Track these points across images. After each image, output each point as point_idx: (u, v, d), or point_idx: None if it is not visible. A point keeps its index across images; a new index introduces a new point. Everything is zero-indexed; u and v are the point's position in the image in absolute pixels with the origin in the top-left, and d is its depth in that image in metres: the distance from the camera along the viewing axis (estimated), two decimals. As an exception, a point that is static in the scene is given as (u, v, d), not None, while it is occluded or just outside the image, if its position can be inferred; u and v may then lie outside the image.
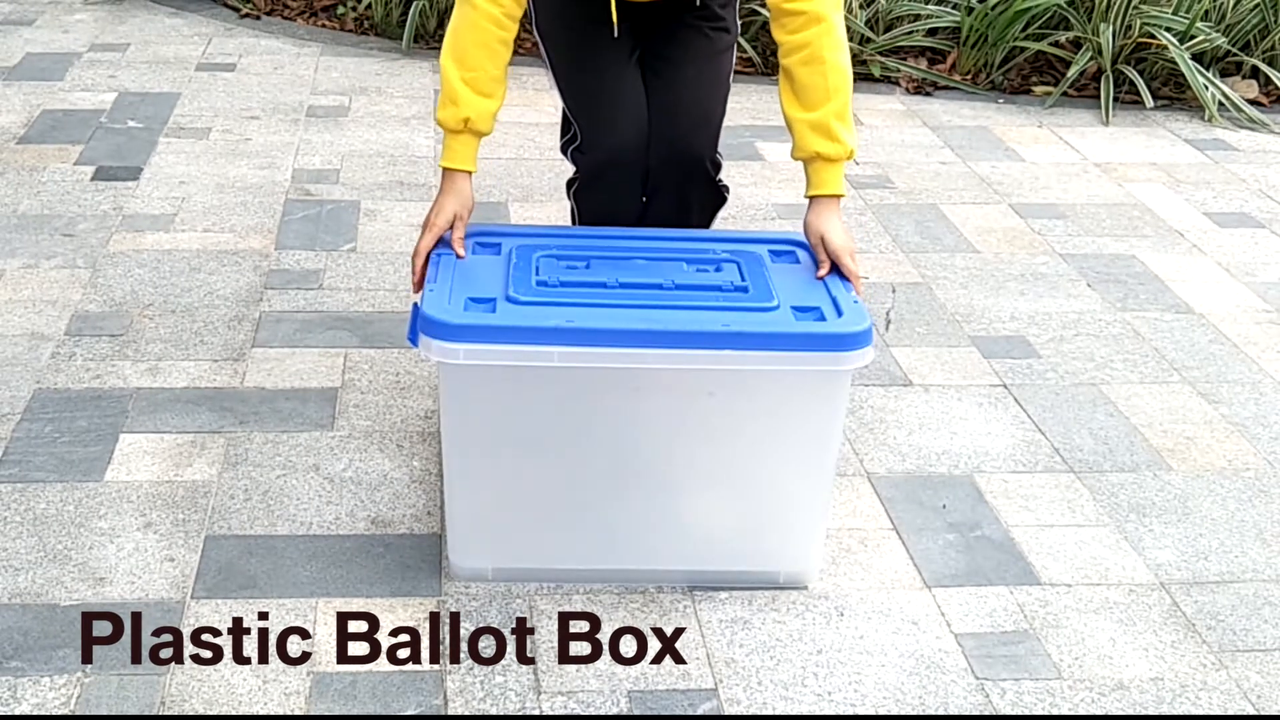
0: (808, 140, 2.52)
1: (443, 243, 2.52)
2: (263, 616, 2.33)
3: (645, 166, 2.74)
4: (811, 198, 2.56)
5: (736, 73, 2.98)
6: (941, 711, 2.22)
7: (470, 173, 2.57)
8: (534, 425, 2.34)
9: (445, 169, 2.56)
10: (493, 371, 2.28)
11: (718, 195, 2.86)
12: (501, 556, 2.44)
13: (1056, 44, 5.43)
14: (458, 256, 2.50)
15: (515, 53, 2.53)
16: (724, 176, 2.86)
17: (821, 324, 2.34)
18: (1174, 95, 5.32)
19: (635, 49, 2.75)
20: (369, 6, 5.64)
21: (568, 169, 2.88)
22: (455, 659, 2.27)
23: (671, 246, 2.58)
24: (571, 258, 2.49)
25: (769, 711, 2.20)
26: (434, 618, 2.35)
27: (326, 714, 2.15)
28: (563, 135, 2.89)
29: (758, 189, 4.26)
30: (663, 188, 2.78)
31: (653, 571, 2.47)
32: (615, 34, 2.66)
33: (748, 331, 2.29)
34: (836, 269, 2.52)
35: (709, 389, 2.33)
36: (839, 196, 2.56)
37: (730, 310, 2.33)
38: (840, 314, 2.36)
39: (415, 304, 2.36)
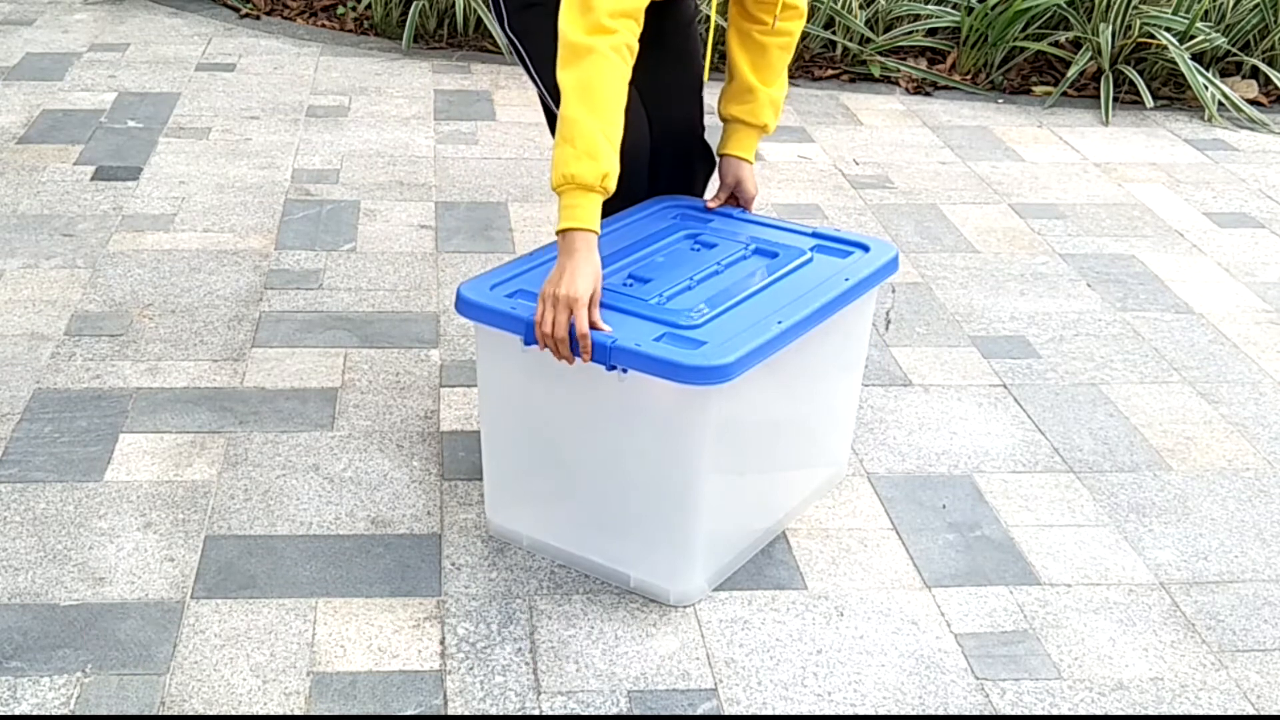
0: (764, 112, 2.76)
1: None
2: (262, 616, 2.34)
3: (650, 150, 2.76)
4: (734, 155, 2.79)
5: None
6: (941, 711, 2.22)
7: (598, 232, 2.30)
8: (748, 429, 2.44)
9: (573, 231, 2.24)
10: (730, 392, 2.27)
11: (710, 160, 2.92)
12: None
13: (1056, 44, 5.43)
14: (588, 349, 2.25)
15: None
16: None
17: (872, 256, 2.63)
18: (1174, 95, 5.32)
19: None
20: (369, 6, 5.64)
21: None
22: (455, 659, 2.27)
23: (627, 236, 2.67)
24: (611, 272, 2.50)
25: (769, 711, 2.20)
26: (434, 618, 2.35)
27: (326, 714, 2.15)
28: (553, 134, 2.87)
29: (758, 189, 4.25)
30: (665, 164, 2.83)
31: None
32: None
33: (863, 278, 2.55)
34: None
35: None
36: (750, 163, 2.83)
37: (800, 269, 2.55)
38: (867, 249, 2.66)
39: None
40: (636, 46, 2.32)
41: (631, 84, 2.63)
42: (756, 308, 2.39)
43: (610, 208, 2.75)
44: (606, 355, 2.22)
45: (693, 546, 2.38)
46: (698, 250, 2.61)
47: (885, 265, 2.62)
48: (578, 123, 2.24)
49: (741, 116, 2.76)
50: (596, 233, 2.27)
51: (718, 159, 2.82)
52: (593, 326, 2.23)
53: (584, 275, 2.23)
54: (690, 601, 2.41)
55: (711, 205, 2.79)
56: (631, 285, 2.43)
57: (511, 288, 2.41)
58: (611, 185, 2.28)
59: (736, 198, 2.81)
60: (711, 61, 3.01)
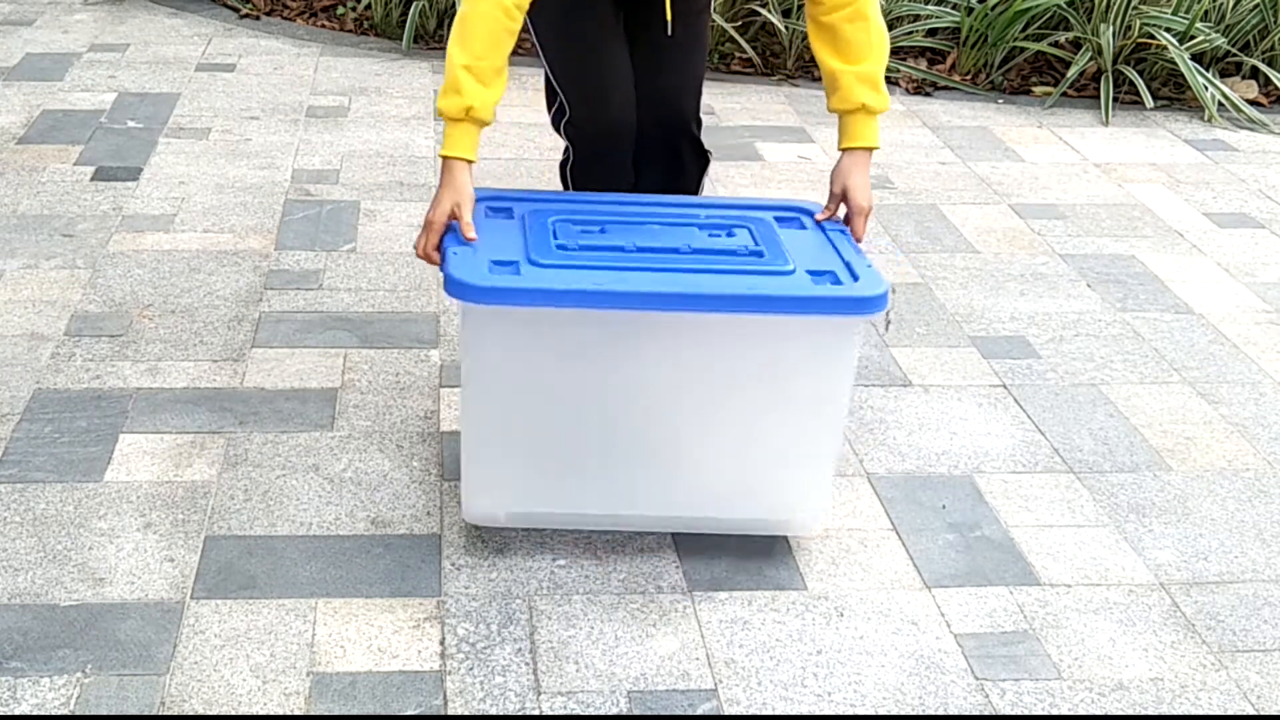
0: (855, 92, 2.57)
1: (451, 230, 2.48)
2: (262, 617, 2.34)
3: (635, 135, 2.76)
4: (846, 149, 2.61)
5: (736, 73, 2.99)
6: (941, 711, 2.22)
7: (470, 162, 2.52)
8: (552, 375, 2.42)
9: (445, 158, 2.52)
10: (513, 321, 2.34)
11: (703, 156, 2.91)
12: (516, 502, 2.51)
13: (1056, 44, 5.43)
14: (467, 240, 2.46)
15: (515, 53, 2.53)
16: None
17: (840, 288, 2.39)
18: (1174, 95, 5.32)
19: (620, 15, 2.77)
20: (369, 6, 5.64)
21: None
22: (455, 659, 2.27)
23: (681, 212, 2.63)
24: (586, 222, 2.53)
25: (769, 711, 2.20)
26: (434, 618, 2.35)
27: (326, 714, 2.15)
28: (549, 107, 2.91)
29: (757, 189, 4.26)
30: (652, 153, 2.85)
31: (662, 518, 2.56)
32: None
33: (771, 295, 2.35)
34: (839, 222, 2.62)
35: (732, 350, 2.41)
36: (873, 149, 2.62)
37: (748, 274, 2.39)
38: (856, 278, 2.41)
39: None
40: (525, 8, 2.48)
41: (631, 62, 2.65)
42: (625, 275, 2.35)
43: (590, 176, 2.78)
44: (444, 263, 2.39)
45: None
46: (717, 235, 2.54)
47: (834, 300, 2.36)
48: (449, 60, 2.47)
49: (837, 106, 2.60)
50: (468, 160, 2.50)
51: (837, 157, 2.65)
52: (467, 239, 2.45)
53: (444, 200, 2.48)
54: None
55: (820, 218, 2.62)
56: (598, 233, 2.49)
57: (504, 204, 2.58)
58: (481, 116, 2.48)
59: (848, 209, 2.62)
60: (711, 61, 3.00)
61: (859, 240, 2.57)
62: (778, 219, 2.63)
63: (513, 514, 2.54)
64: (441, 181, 2.52)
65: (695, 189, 2.97)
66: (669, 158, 2.88)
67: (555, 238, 2.46)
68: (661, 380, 2.43)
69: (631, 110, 2.76)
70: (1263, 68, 5.38)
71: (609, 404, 2.45)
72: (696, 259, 2.43)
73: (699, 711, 2.20)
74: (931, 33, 5.52)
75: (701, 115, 2.98)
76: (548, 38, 2.80)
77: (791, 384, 2.45)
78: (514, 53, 2.53)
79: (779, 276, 2.40)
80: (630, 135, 2.78)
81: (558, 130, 2.90)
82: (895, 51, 5.47)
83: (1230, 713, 2.26)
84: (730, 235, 2.53)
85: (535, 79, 5.00)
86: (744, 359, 2.42)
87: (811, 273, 2.42)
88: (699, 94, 2.90)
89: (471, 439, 2.48)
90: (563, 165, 2.94)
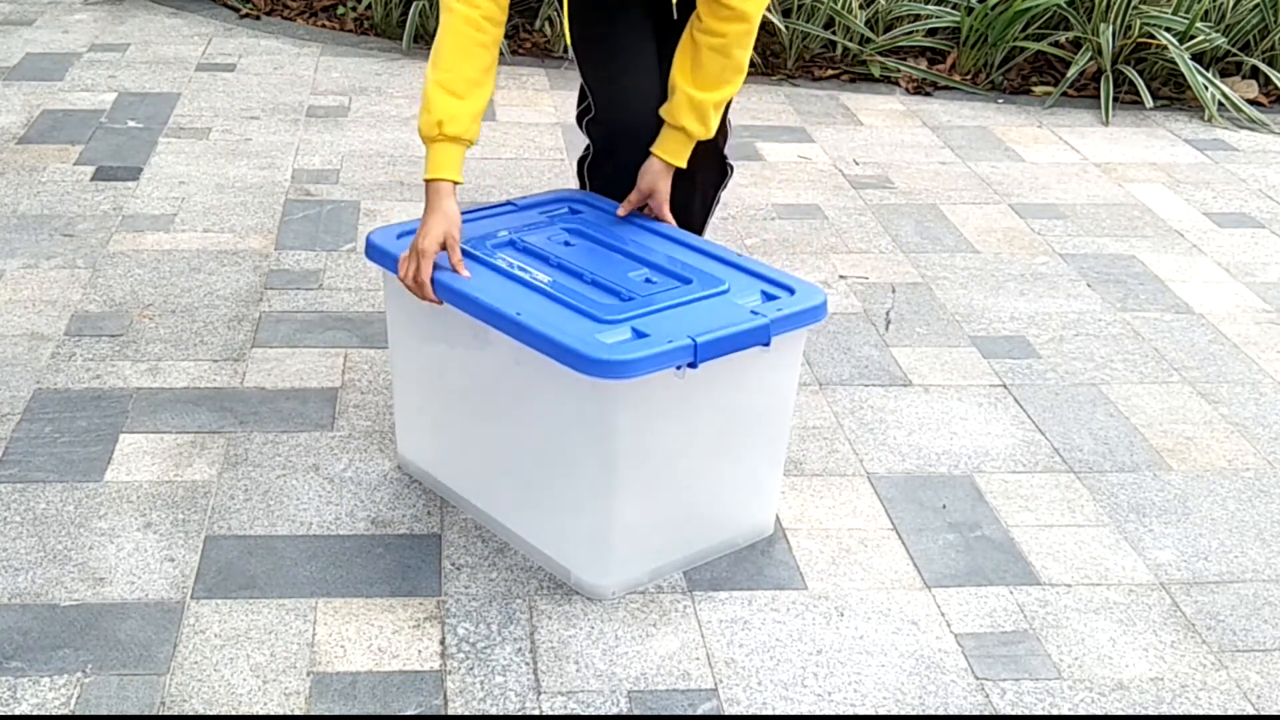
0: (682, 113, 2.65)
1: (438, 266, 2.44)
2: (262, 616, 2.34)
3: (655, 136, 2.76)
4: (653, 153, 2.68)
5: (749, 82, 2.98)
6: (941, 711, 2.22)
7: (454, 184, 2.47)
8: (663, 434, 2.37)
9: (427, 182, 2.47)
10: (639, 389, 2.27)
11: (721, 169, 2.90)
12: (636, 566, 2.44)
13: (1056, 44, 5.43)
14: (462, 277, 2.43)
15: (514, 53, 2.53)
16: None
17: (797, 300, 2.42)
18: (1174, 95, 5.32)
19: (652, 19, 2.77)
20: (369, 6, 5.64)
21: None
22: (455, 659, 2.27)
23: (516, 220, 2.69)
24: (522, 248, 2.55)
25: (769, 711, 2.20)
26: (434, 618, 2.35)
27: (326, 714, 2.15)
28: (578, 105, 2.92)
29: (758, 189, 4.26)
30: None
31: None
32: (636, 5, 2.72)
33: (787, 315, 2.37)
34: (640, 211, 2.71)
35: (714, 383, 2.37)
36: (676, 166, 2.70)
37: (698, 301, 2.39)
38: (792, 292, 2.45)
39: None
40: (499, 20, 2.50)
41: (658, 63, 2.72)
42: (688, 317, 2.33)
43: (607, 175, 2.78)
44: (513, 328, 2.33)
45: (612, 536, 2.39)
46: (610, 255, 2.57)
47: (796, 315, 2.40)
48: (425, 80, 2.49)
49: (664, 114, 2.67)
50: (450, 180, 2.46)
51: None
52: (454, 269, 2.44)
53: (435, 226, 2.44)
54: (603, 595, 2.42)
55: (622, 212, 2.69)
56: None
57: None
58: (455, 131, 2.45)
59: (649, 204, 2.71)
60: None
61: (669, 223, 2.68)
62: (573, 210, 2.72)
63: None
64: (427, 206, 2.47)
65: (709, 202, 2.96)
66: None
67: (574, 278, 2.45)
68: (708, 414, 2.41)
69: (652, 110, 2.73)
70: (1263, 67, 5.38)
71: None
72: (663, 293, 2.42)
73: (699, 711, 2.20)
74: (931, 32, 5.52)
75: (729, 125, 2.93)
76: (575, 37, 2.81)
77: (758, 396, 2.46)
78: (514, 53, 2.54)
79: (723, 297, 2.42)
80: (650, 135, 2.75)
81: (580, 127, 2.90)
82: (895, 51, 5.48)
83: (1230, 713, 2.26)
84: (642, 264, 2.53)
85: (536, 79, 5.01)
86: (736, 376, 2.40)
87: (756, 281, 2.47)
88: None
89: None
90: (580, 161, 2.93)
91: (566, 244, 2.57)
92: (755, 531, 2.59)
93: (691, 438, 2.40)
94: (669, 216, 2.70)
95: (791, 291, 2.44)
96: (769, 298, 2.43)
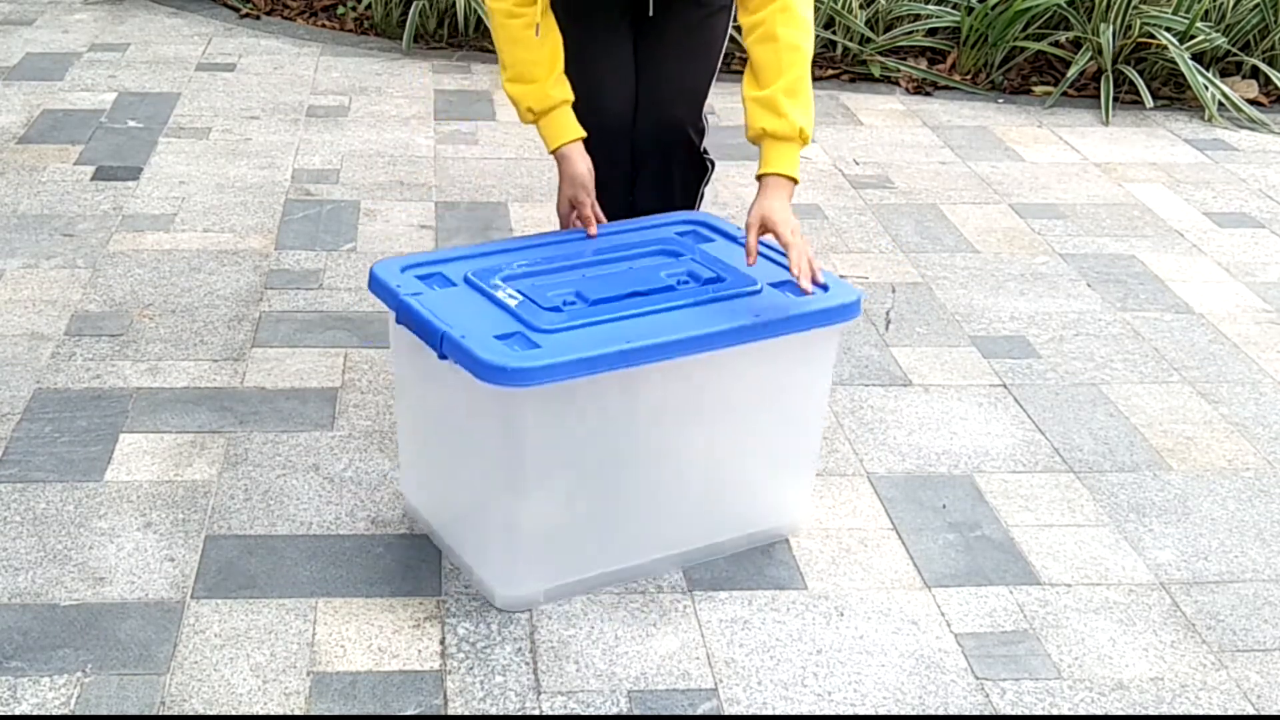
0: (755, 116, 2.50)
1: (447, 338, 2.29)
2: (263, 616, 2.34)
3: (632, 136, 2.77)
4: (760, 177, 2.50)
5: (736, 73, 2.98)
6: (941, 711, 2.22)
7: (573, 141, 2.66)
8: (588, 443, 2.34)
9: (552, 153, 2.69)
10: (547, 398, 2.24)
11: (700, 166, 2.90)
12: (552, 577, 2.41)
13: (1056, 44, 5.43)
14: (589, 236, 2.62)
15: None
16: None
17: (829, 297, 2.43)
18: (1174, 95, 5.32)
19: (629, 16, 2.78)
20: (369, 6, 5.64)
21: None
22: (455, 659, 2.27)
23: (605, 243, 2.62)
24: (537, 274, 2.48)
25: (769, 711, 2.20)
26: (434, 618, 2.35)
27: (326, 714, 2.15)
28: None
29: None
30: (647, 158, 2.85)
31: (666, 558, 2.50)
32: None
33: (777, 319, 2.37)
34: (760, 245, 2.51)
35: (731, 375, 2.39)
36: (791, 179, 2.49)
37: (732, 299, 2.40)
38: (826, 288, 2.45)
39: (444, 332, 2.25)
40: (524, 9, 2.59)
41: (634, 63, 2.67)
42: (636, 326, 2.30)
43: (602, 182, 2.78)
44: (438, 343, 2.27)
45: (518, 550, 2.36)
46: (657, 265, 2.53)
47: (828, 310, 2.41)
48: (503, 85, 2.68)
49: (746, 136, 2.55)
50: (570, 140, 2.68)
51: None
52: (584, 225, 2.66)
53: (563, 191, 2.70)
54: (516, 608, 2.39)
55: (749, 261, 2.48)
56: (571, 302, 2.39)
57: (429, 270, 2.48)
58: (542, 106, 2.65)
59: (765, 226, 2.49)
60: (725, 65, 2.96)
61: (790, 249, 2.43)
62: (678, 234, 2.66)
63: (549, 590, 2.42)
64: (559, 175, 2.70)
65: (691, 197, 2.95)
66: (659, 163, 2.86)
67: (533, 299, 2.37)
68: (666, 420, 2.39)
69: (626, 107, 2.76)
70: (1263, 67, 5.38)
71: (634, 460, 2.39)
72: (680, 294, 2.40)
73: (699, 711, 2.20)
74: (931, 32, 5.52)
75: (705, 123, 2.92)
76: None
77: (784, 396, 2.48)
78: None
79: (752, 297, 2.41)
80: (624, 134, 2.77)
81: None
82: (895, 51, 5.48)
83: (1230, 713, 2.26)
84: (674, 257, 2.54)
85: (535, 79, 5.01)
86: (742, 380, 2.41)
87: (775, 285, 2.45)
88: (698, 101, 2.85)
89: (513, 522, 2.39)
90: None
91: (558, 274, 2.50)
92: (761, 535, 2.59)
93: (637, 447, 2.38)
94: (790, 239, 2.43)
95: (825, 289, 2.45)
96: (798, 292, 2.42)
